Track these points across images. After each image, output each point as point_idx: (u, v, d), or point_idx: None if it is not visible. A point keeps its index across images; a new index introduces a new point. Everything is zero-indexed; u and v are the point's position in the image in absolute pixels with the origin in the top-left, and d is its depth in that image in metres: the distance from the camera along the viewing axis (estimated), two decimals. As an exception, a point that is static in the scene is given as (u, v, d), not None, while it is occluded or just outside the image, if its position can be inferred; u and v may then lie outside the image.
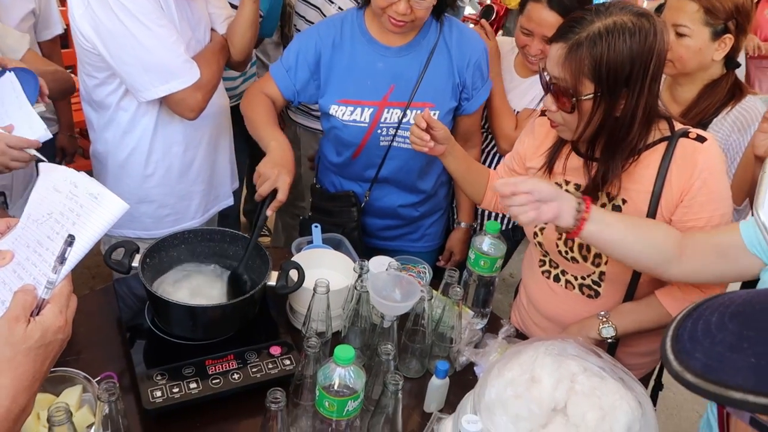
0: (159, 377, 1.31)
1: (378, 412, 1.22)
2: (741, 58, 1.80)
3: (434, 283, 1.66)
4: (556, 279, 1.56)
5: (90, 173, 1.95)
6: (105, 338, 1.49)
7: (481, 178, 1.70)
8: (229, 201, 2.08)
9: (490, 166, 2.14)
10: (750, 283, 1.56)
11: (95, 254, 1.64)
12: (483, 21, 2.05)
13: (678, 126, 1.38)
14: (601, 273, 1.47)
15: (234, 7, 1.94)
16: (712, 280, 1.33)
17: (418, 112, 1.78)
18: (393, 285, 1.42)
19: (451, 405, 1.36)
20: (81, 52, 1.68)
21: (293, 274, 1.48)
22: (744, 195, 1.61)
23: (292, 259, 1.57)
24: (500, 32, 2.70)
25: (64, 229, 0.86)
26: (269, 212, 1.52)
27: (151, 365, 1.35)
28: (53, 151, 2.42)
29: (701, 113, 1.70)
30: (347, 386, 1.11)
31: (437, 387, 1.37)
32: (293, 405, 1.28)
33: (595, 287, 1.50)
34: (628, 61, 1.23)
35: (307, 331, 1.41)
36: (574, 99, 1.28)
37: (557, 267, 1.55)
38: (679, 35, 1.66)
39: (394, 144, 1.83)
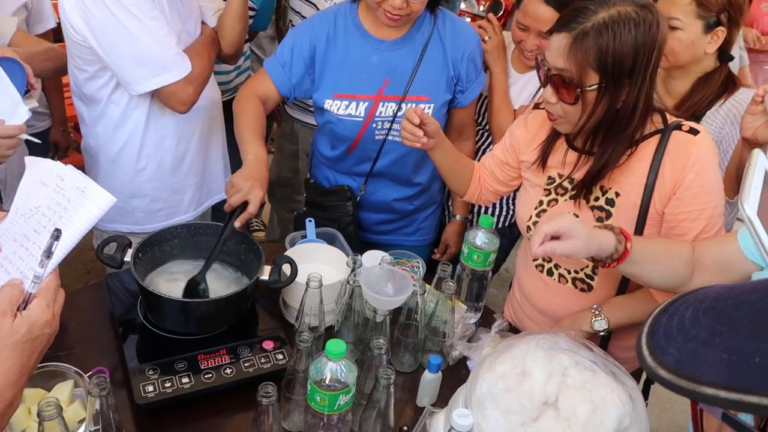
0: (151, 372, 1.31)
1: (370, 407, 1.22)
2: (735, 51, 1.79)
3: (427, 277, 1.66)
4: (550, 273, 1.56)
5: (82, 168, 1.96)
6: (97, 333, 1.48)
7: (467, 171, 1.69)
8: (222, 195, 2.06)
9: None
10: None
11: (90, 249, 1.64)
12: (490, 15, 2.01)
13: (671, 119, 1.38)
14: (594, 267, 1.47)
15: None
16: None
17: (413, 105, 1.77)
18: (385, 279, 1.42)
19: (444, 399, 1.36)
20: (71, 45, 1.66)
21: (286, 268, 1.48)
22: (737, 187, 1.61)
23: (285, 253, 1.57)
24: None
25: (51, 222, 0.86)
26: (237, 224, 1.51)
27: (144, 360, 1.35)
28: (46, 146, 2.41)
29: (694, 106, 1.70)
30: (339, 380, 1.11)
31: (430, 381, 1.37)
32: (285, 399, 1.28)
33: (588, 281, 1.50)
34: (633, 51, 1.23)
35: (300, 325, 1.41)
36: (578, 90, 1.27)
37: (550, 261, 1.55)
38: (672, 28, 1.66)
39: (389, 138, 1.83)
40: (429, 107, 1.78)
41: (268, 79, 1.80)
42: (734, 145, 1.67)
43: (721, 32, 1.66)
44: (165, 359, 1.34)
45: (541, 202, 1.51)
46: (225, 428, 1.32)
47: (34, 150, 1.90)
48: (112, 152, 1.79)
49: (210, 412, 1.32)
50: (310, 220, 1.80)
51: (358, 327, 1.47)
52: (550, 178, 1.50)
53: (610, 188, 1.40)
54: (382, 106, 1.78)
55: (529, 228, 1.54)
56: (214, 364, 1.35)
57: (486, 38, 1.95)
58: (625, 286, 1.48)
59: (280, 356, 1.39)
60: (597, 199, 1.42)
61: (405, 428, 1.32)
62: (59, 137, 2.45)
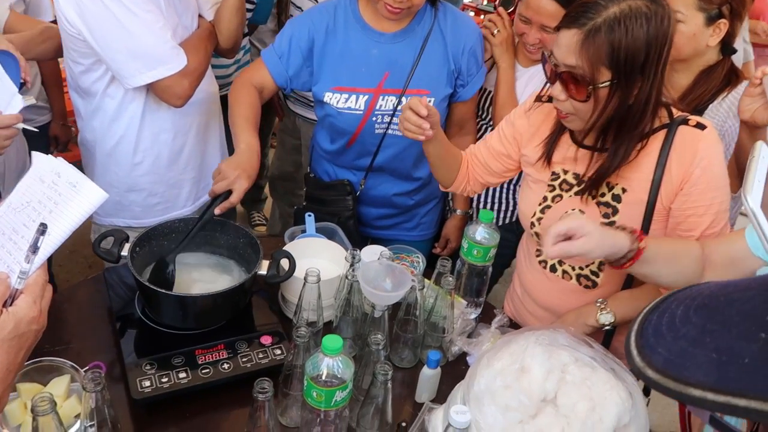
0: (148, 367, 1.30)
1: (368, 402, 1.21)
2: (739, 46, 1.77)
3: (427, 272, 1.65)
4: (553, 269, 1.54)
5: (80, 161, 1.95)
6: (95, 328, 1.48)
7: (456, 162, 1.65)
8: None
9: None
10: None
11: (91, 244, 1.63)
12: (501, 9, 1.97)
13: (676, 113, 1.36)
14: (601, 263, 1.45)
15: None
16: None
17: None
18: (384, 275, 1.41)
19: (443, 395, 1.35)
20: (66, 38, 1.65)
21: (284, 263, 1.47)
22: (739, 182, 1.59)
23: (283, 248, 1.56)
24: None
25: (40, 217, 0.85)
26: (217, 211, 1.51)
27: (142, 355, 1.34)
28: (46, 140, 2.41)
29: (697, 99, 1.68)
30: (335, 376, 1.10)
31: (428, 377, 1.36)
32: (283, 395, 1.28)
33: (593, 277, 1.48)
34: (645, 46, 1.21)
35: (298, 320, 1.40)
36: (590, 87, 1.25)
37: None
38: None
39: (390, 132, 1.81)
40: (429, 101, 1.76)
41: (264, 70, 1.78)
42: (737, 139, 1.65)
43: (723, 25, 1.63)
44: (162, 354, 1.34)
45: (545, 198, 1.49)
46: (222, 423, 1.31)
47: (34, 144, 1.90)
48: (109, 146, 1.78)
49: (207, 407, 1.32)
50: (309, 215, 1.78)
51: (357, 322, 1.45)
52: (554, 173, 1.48)
53: (617, 184, 1.38)
54: (382, 99, 1.77)
55: (533, 224, 1.52)
56: (211, 359, 1.35)
57: (495, 32, 1.91)
58: (629, 283, 1.47)
59: (278, 352, 1.39)
60: (603, 195, 1.40)
61: (404, 424, 1.30)
62: (59, 131, 2.44)
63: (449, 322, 1.46)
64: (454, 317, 1.49)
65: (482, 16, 2.53)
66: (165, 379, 1.29)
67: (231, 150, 2.08)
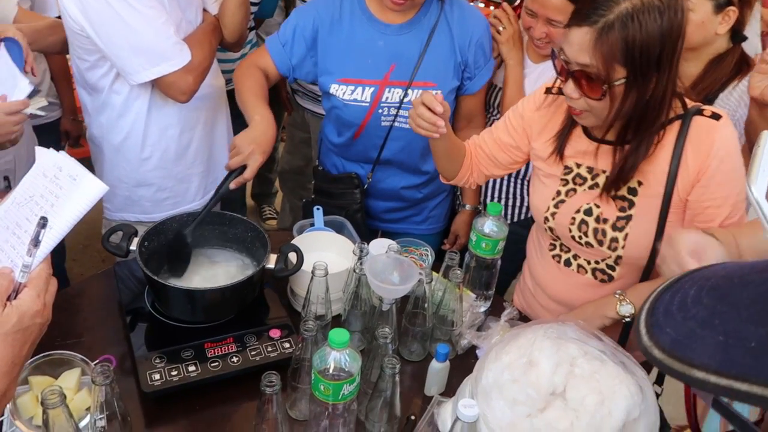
0: (158, 360, 1.31)
1: (376, 396, 1.21)
2: (754, 37, 1.74)
3: (436, 266, 1.64)
4: (567, 263, 1.52)
5: (90, 158, 1.96)
6: (106, 321, 1.49)
7: (460, 154, 1.63)
8: None
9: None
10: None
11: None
12: (505, 5, 1.94)
13: (690, 103, 1.34)
14: (618, 257, 1.43)
15: None
16: None
17: (420, 91, 1.75)
18: (392, 268, 1.41)
19: (452, 388, 1.35)
20: (71, 35, 1.66)
21: (292, 257, 1.47)
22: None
23: (291, 241, 1.56)
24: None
25: (42, 210, 0.85)
26: (232, 186, 1.52)
27: (151, 348, 1.35)
28: (57, 136, 2.42)
29: (707, 88, 1.65)
30: (343, 370, 1.10)
31: (437, 370, 1.36)
32: (292, 389, 1.28)
33: (610, 271, 1.47)
34: (660, 40, 1.18)
35: (307, 314, 1.40)
36: (605, 86, 1.22)
37: (569, 251, 1.52)
38: None
39: (396, 124, 1.80)
40: (436, 93, 1.74)
41: (267, 57, 1.78)
42: (746, 117, 1.62)
43: (732, 12, 1.60)
44: (171, 347, 1.34)
45: (558, 193, 1.48)
46: (232, 416, 1.31)
47: (45, 139, 1.91)
48: (116, 141, 1.79)
49: (216, 401, 1.33)
50: (318, 209, 1.78)
51: (366, 316, 1.45)
52: (566, 167, 1.47)
53: (632, 177, 1.36)
54: (388, 91, 1.76)
55: (546, 219, 1.50)
56: (220, 353, 1.35)
57: (500, 29, 1.88)
58: (647, 275, 1.44)
59: (287, 345, 1.39)
60: (619, 188, 1.38)
61: (413, 417, 1.31)
62: (70, 126, 2.46)
63: (458, 316, 1.46)
64: (463, 310, 1.48)
65: (491, 8, 2.48)
66: (174, 373, 1.30)
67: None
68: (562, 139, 1.45)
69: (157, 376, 1.28)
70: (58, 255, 2.61)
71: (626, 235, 1.39)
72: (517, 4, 1.98)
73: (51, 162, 0.94)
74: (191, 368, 1.31)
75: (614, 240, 1.41)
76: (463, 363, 1.44)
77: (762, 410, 0.60)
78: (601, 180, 1.41)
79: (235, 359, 1.34)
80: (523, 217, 2.09)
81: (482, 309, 1.58)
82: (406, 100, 1.76)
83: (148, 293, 1.49)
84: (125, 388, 1.26)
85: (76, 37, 1.64)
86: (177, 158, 1.84)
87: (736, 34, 1.66)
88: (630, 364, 1.15)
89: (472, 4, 2.04)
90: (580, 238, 1.45)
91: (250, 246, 1.56)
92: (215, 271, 1.54)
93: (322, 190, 1.99)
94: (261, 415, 1.12)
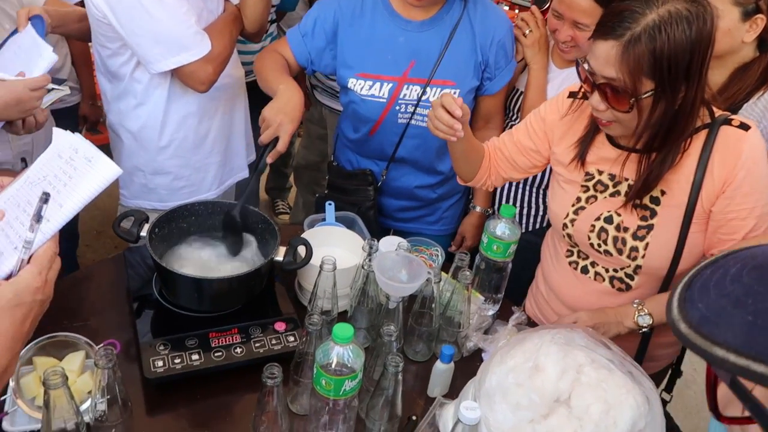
0: (162, 347, 1.31)
1: (378, 394, 1.20)
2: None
3: (446, 267, 1.63)
4: (585, 270, 1.50)
5: (108, 145, 1.97)
6: (113, 307, 1.49)
7: (479, 156, 1.60)
8: (244, 173, 2.07)
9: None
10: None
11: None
12: (534, 8, 1.89)
13: (717, 112, 1.31)
14: (637, 266, 1.40)
15: None
16: None
17: (439, 89, 1.73)
18: (400, 265, 1.39)
19: (456, 391, 1.33)
20: (94, 23, 1.67)
21: (301, 250, 1.46)
22: None
23: (301, 235, 1.55)
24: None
25: (55, 190, 0.86)
26: (269, 160, 1.52)
27: (157, 335, 1.35)
28: (75, 120, 2.44)
29: (731, 97, 1.61)
30: (345, 365, 1.09)
31: (441, 371, 1.34)
32: (294, 382, 1.27)
33: (628, 280, 1.44)
34: (688, 52, 1.15)
35: (313, 308, 1.40)
36: (632, 99, 1.19)
37: (587, 258, 1.49)
38: None
39: (413, 122, 1.79)
40: (455, 93, 1.73)
41: (287, 47, 1.79)
42: None
43: (760, 20, 1.57)
44: (176, 335, 1.34)
45: (578, 199, 1.45)
46: (232, 407, 1.31)
47: (63, 123, 1.92)
48: (134, 129, 1.80)
49: (219, 391, 1.32)
50: (330, 204, 1.78)
51: (372, 313, 1.44)
52: (588, 174, 1.44)
53: (656, 186, 1.33)
54: (407, 88, 1.74)
55: (565, 225, 1.47)
56: (224, 343, 1.35)
57: (526, 32, 1.84)
58: (667, 285, 1.41)
59: (292, 338, 1.38)
60: (641, 197, 1.35)
61: (414, 418, 1.29)
62: (88, 111, 2.48)
63: (465, 317, 1.44)
64: (471, 313, 1.47)
65: (516, 11, 2.44)
66: (178, 360, 1.29)
67: (257, 135, 2.08)
68: (584, 146, 1.43)
69: (160, 363, 1.28)
70: (70, 242, 2.65)
71: (647, 244, 1.36)
72: (546, 8, 1.93)
73: (67, 143, 0.94)
74: (194, 357, 1.31)
75: (634, 249, 1.38)
76: (468, 366, 1.43)
77: None
78: (623, 188, 1.39)
79: (238, 350, 1.34)
80: (537, 225, 2.05)
81: (490, 312, 1.55)
82: (424, 98, 1.74)
83: (156, 280, 1.49)
84: (128, 375, 1.26)
85: (99, 25, 1.65)
86: (195, 147, 1.85)
87: (764, 43, 1.62)
88: (638, 375, 1.13)
89: (497, 5, 2.01)
90: (599, 246, 1.42)
91: (260, 238, 1.55)
92: (224, 260, 1.53)
93: (336, 185, 1.98)
94: (261, 407, 1.11)
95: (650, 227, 1.36)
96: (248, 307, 1.44)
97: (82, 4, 1.80)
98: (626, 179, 1.38)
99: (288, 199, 3.65)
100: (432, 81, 1.73)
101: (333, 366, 1.09)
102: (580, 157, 1.43)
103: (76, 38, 2.05)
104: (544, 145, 1.53)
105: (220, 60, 1.69)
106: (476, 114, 1.88)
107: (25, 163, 1.93)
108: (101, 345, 1.27)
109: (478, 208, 2.04)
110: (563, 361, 1.09)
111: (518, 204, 2.05)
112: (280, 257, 1.44)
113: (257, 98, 1.85)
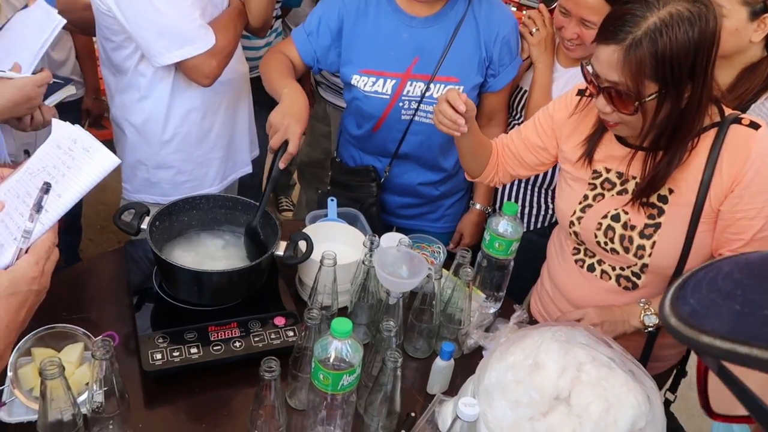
0: (160, 340, 1.31)
1: (376, 389, 1.19)
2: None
3: (447, 264, 1.62)
4: (591, 268, 1.49)
5: (111, 140, 1.97)
6: (113, 299, 1.49)
7: (486, 152, 1.60)
8: (247, 169, 2.06)
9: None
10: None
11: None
12: (542, 6, 1.88)
13: (727, 111, 1.30)
14: (644, 265, 1.39)
15: None
16: None
17: (442, 86, 1.72)
18: (401, 261, 1.39)
19: (455, 388, 1.33)
20: (98, 15, 1.67)
21: (302, 245, 1.46)
22: None
23: (303, 230, 1.54)
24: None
25: (53, 180, 0.85)
26: (282, 165, 1.51)
27: (156, 328, 1.35)
28: (78, 114, 2.44)
29: (738, 98, 1.60)
30: (343, 360, 1.08)
31: (441, 368, 1.33)
32: (292, 377, 1.27)
33: (635, 279, 1.43)
34: (692, 53, 1.14)
35: (313, 303, 1.39)
36: (636, 103, 1.19)
37: (593, 256, 1.48)
38: None
39: (416, 119, 1.78)
40: (459, 89, 1.72)
41: (292, 47, 1.78)
42: None
43: None
44: (175, 328, 1.34)
45: (585, 197, 1.44)
46: (230, 401, 1.30)
47: (66, 117, 1.92)
48: (138, 123, 1.79)
49: (217, 384, 1.32)
50: (332, 200, 1.77)
51: (372, 309, 1.44)
52: (595, 172, 1.43)
53: (664, 184, 1.32)
54: (410, 85, 1.74)
55: (572, 223, 1.47)
56: (223, 337, 1.35)
57: (533, 30, 1.83)
58: None
59: (291, 333, 1.38)
60: (649, 196, 1.34)
61: (413, 414, 1.28)
62: (92, 105, 2.48)
63: (465, 315, 1.43)
64: (472, 310, 1.46)
65: (524, 12, 2.43)
66: (176, 353, 1.29)
67: (261, 130, 2.08)
68: (592, 144, 1.42)
69: (159, 356, 1.28)
70: (72, 236, 2.65)
71: (654, 243, 1.36)
72: (553, 6, 1.91)
73: (66, 134, 0.95)
74: (193, 350, 1.31)
75: (641, 248, 1.37)
76: (468, 363, 1.42)
77: None
78: (630, 186, 1.38)
79: (237, 344, 1.34)
80: (540, 225, 2.04)
81: (492, 310, 1.54)
82: (427, 94, 1.73)
83: (156, 273, 1.48)
84: (127, 367, 1.26)
85: (103, 17, 1.65)
86: (198, 142, 1.84)
87: None
88: (639, 373, 1.12)
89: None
90: (606, 244, 1.41)
91: (262, 232, 1.54)
92: (224, 254, 1.53)
93: (339, 181, 1.97)
94: (259, 401, 1.11)
95: (657, 225, 1.35)
96: (248, 302, 1.44)
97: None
98: (633, 177, 1.38)
99: (292, 197, 3.64)
100: (435, 77, 1.72)
101: (331, 360, 1.08)
102: (588, 155, 1.43)
103: (78, 29, 2.05)
104: (552, 142, 1.53)
105: (224, 54, 1.69)
106: (480, 111, 1.86)
107: (28, 154, 1.93)
108: (99, 337, 1.27)
109: (477, 206, 2.02)
110: (563, 359, 1.09)
111: (521, 203, 2.03)
112: (280, 252, 1.44)
113: (261, 94, 1.84)
